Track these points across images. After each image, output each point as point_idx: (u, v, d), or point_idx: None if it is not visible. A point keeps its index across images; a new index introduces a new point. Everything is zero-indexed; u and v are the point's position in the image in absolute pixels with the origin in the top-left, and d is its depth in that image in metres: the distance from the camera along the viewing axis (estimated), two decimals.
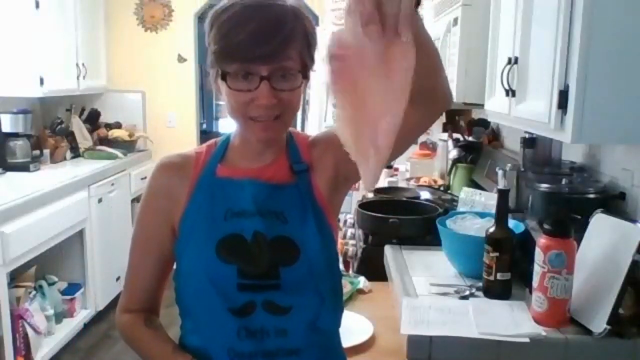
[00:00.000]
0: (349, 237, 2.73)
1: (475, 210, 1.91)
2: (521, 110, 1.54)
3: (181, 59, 4.71)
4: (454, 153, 2.93)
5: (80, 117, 4.35)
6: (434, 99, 0.93)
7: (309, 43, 0.98)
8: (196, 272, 1.00)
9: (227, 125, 6.60)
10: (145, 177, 4.90)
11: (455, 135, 3.12)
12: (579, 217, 1.45)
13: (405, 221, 2.04)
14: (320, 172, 1.06)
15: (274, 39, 0.90)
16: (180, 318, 1.08)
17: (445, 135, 3.23)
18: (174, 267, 1.07)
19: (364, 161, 0.69)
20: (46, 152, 3.82)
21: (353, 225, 2.73)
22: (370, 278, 1.91)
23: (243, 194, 1.02)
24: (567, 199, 1.61)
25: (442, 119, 3.52)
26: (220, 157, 1.06)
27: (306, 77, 0.98)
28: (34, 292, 3.08)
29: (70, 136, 4.13)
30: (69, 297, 3.43)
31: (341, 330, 1.18)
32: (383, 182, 3.09)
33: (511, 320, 1.35)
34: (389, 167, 3.19)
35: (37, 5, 3.49)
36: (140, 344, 1.08)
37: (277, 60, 0.92)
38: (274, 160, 1.05)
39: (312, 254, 1.00)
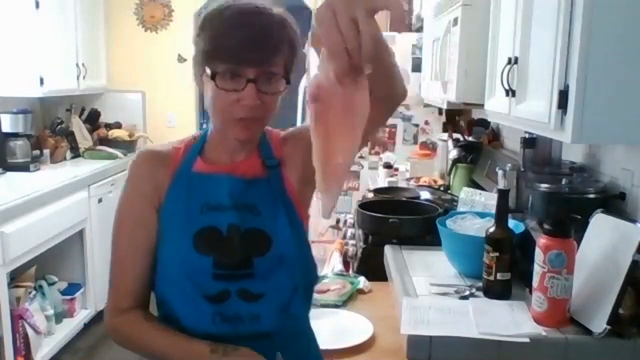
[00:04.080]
0: (349, 237, 2.73)
1: (475, 210, 1.91)
2: (521, 110, 1.54)
3: (181, 59, 4.71)
4: (454, 153, 2.93)
5: (80, 117, 4.35)
6: (393, 99, 1.03)
7: (294, 51, 1.05)
8: (173, 263, 1.05)
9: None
10: None
11: (455, 135, 3.12)
12: (579, 217, 1.45)
13: (405, 221, 2.04)
14: (291, 167, 1.12)
15: (263, 46, 0.98)
16: (157, 307, 1.10)
17: (445, 135, 3.23)
18: None
19: (324, 189, 0.75)
20: (46, 152, 3.82)
21: (353, 225, 2.73)
22: (370, 278, 1.91)
23: (219, 188, 1.08)
24: (567, 199, 1.61)
25: (442, 118, 3.53)
26: (198, 153, 1.11)
27: (289, 82, 1.04)
28: (34, 292, 3.07)
29: (70, 136, 4.13)
30: (69, 297, 3.43)
31: (341, 330, 1.18)
32: (383, 182, 3.10)
33: (511, 320, 1.35)
34: (389, 167, 3.19)
35: (37, 5, 3.49)
36: (145, 341, 1.07)
37: (265, 65, 0.99)
38: (247, 156, 1.11)
39: (283, 244, 1.06)
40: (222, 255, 1.04)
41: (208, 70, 1.00)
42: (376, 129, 1.18)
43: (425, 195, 2.61)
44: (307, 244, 1.12)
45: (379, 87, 0.75)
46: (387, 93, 0.95)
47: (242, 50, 0.97)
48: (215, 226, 1.05)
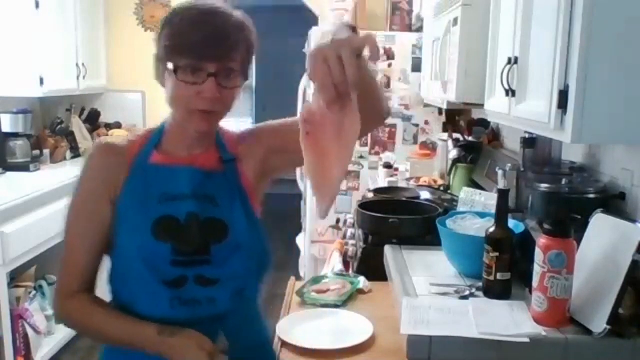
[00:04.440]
0: (349, 237, 2.72)
1: (475, 210, 1.91)
2: (521, 110, 1.54)
3: None
4: (454, 153, 2.93)
5: (80, 117, 4.35)
6: (377, 117, 1.15)
7: (250, 52, 1.13)
8: (131, 250, 1.09)
9: (225, 124, 6.56)
10: None
11: (455, 135, 3.12)
12: (579, 217, 1.45)
13: (405, 221, 2.04)
14: (248, 163, 1.21)
15: (223, 43, 1.06)
16: (112, 295, 1.15)
17: (445, 135, 3.23)
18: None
19: (320, 197, 0.89)
20: (46, 152, 3.82)
21: (353, 225, 2.73)
22: (370, 278, 1.91)
23: (179, 178, 1.14)
24: (567, 199, 1.61)
25: (442, 118, 3.53)
26: (155, 145, 1.16)
27: (246, 78, 1.13)
28: (34, 292, 3.08)
29: (70, 136, 4.13)
30: None
31: (341, 330, 1.18)
32: (383, 182, 3.10)
33: (511, 320, 1.35)
34: (389, 167, 3.19)
35: (37, 5, 3.50)
36: (96, 323, 1.12)
37: (224, 61, 1.07)
38: (204, 150, 1.18)
39: (239, 233, 1.14)
40: (180, 243, 1.09)
41: (170, 65, 1.06)
42: (361, 138, 1.33)
43: (425, 195, 2.60)
44: (261, 233, 1.19)
45: (365, 110, 0.85)
46: (373, 115, 1.06)
47: (203, 47, 1.04)
48: (174, 215, 1.11)
